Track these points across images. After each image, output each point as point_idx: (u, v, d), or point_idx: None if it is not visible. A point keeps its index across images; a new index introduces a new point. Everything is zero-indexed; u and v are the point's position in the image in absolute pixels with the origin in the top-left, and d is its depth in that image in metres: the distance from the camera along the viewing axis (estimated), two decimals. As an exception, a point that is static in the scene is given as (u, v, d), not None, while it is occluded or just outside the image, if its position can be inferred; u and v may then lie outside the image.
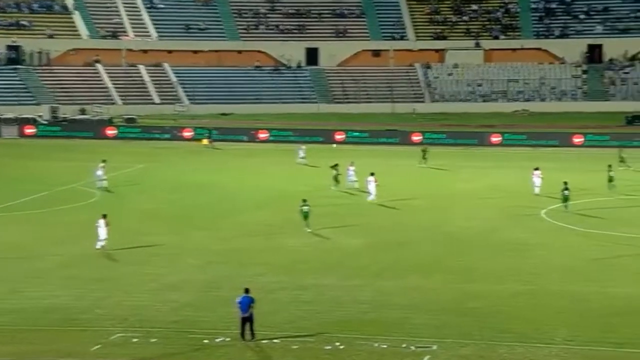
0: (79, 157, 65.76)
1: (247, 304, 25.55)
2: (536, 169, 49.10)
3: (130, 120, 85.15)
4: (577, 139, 71.95)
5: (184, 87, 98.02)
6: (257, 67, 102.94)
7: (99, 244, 35.74)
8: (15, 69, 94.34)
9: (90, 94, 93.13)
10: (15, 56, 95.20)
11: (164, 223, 41.64)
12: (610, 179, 49.77)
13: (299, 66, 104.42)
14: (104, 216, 36.22)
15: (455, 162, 63.57)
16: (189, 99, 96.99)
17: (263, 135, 77.17)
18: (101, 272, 32.95)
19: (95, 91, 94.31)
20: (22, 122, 79.66)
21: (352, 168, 50.36)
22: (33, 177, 55.08)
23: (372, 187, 46.86)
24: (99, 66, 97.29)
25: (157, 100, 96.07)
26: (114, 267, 33.70)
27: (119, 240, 37.84)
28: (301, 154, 61.37)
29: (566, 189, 44.16)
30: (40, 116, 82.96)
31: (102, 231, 35.64)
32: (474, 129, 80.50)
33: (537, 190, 47.88)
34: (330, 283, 31.60)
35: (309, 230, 39.09)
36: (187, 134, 77.61)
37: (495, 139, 74.55)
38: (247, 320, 25.52)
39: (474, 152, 69.45)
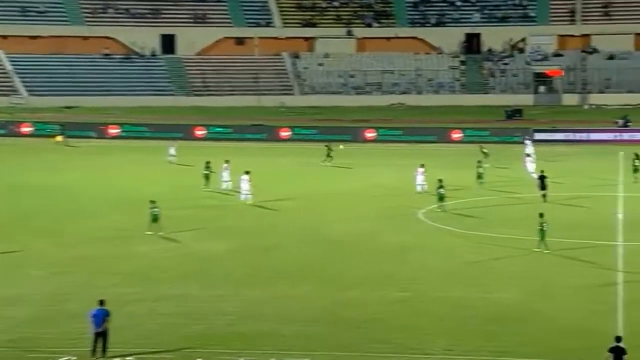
0: None
1: (102, 317, 25.04)
2: (422, 165, 50.28)
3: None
4: (456, 135, 74.17)
5: (21, 77, 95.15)
6: (105, 55, 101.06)
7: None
8: None
9: None
10: None
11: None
12: (479, 176, 51.69)
13: (153, 54, 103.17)
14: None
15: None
16: (28, 90, 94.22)
17: (114, 131, 75.85)
18: None
19: None
20: None
21: (226, 167, 50.36)
22: None
23: (245, 186, 46.98)
24: None
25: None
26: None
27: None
28: (171, 151, 61.00)
29: (441, 187, 45.40)
30: None
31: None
32: (347, 124, 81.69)
33: (419, 188, 48.99)
34: (191, 293, 31.38)
35: (154, 232, 39.21)
36: (26, 129, 75.33)
37: (370, 134, 75.92)
38: (101, 335, 25.00)
39: (348, 148, 70.38)
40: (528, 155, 57.45)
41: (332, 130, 76.71)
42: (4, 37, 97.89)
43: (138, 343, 26.48)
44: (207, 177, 50.57)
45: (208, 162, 51.09)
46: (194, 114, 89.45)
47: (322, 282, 32.92)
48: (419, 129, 77.73)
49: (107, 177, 55.75)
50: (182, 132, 75.62)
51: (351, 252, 37.36)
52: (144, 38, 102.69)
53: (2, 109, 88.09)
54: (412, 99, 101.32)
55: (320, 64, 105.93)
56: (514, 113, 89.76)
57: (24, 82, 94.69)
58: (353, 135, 75.29)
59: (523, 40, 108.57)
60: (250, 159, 60.29)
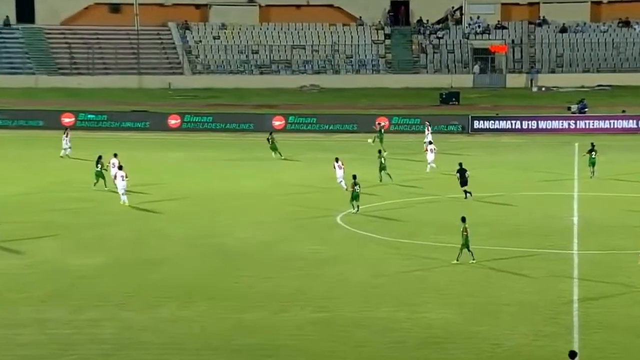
0: None
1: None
2: (337, 159, 50.74)
3: None
4: (384, 122, 74.80)
5: None
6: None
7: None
8: None
9: None
10: None
11: None
12: (383, 167, 53.03)
13: (6, 24, 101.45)
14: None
15: (229, 153, 64.32)
16: None
17: (-45, 118, 74.43)
18: None
19: None
20: None
21: (114, 161, 50.17)
22: None
23: (121, 183, 47.23)
24: None
25: None
26: None
27: None
28: (65, 143, 61.12)
29: (355, 184, 46.03)
30: None
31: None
32: (249, 110, 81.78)
33: (343, 185, 49.51)
34: (57, 317, 31.07)
35: None
36: None
37: (278, 122, 76.18)
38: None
39: (251, 139, 70.46)
40: (431, 142, 58.50)
41: (231, 118, 76.72)
42: None
43: (-11, 380, 26.16)
44: (99, 174, 50.50)
45: (99, 157, 50.77)
46: (60, 97, 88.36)
47: (218, 301, 32.96)
48: (336, 116, 78.30)
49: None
50: (44, 120, 74.67)
51: (255, 266, 37.47)
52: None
53: None
54: (327, 80, 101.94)
55: (215, 37, 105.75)
56: (450, 97, 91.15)
57: None
58: (257, 124, 75.44)
59: (460, 9, 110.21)
60: (131, 152, 59.93)
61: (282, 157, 61.05)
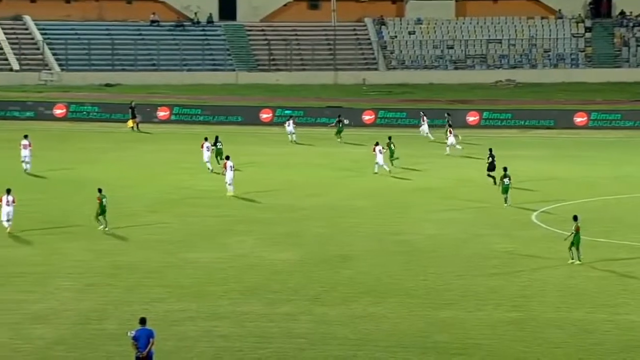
0: None
1: (146, 338, 25.47)
2: (377, 143, 53.09)
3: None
4: (580, 119, 73.24)
5: (52, 49, 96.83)
6: (152, 22, 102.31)
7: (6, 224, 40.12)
8: None
9: None
10: None
11: (25, 231, 41.20)
12: (392, 154, 55.28)
13: (209, 21, 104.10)
14: (8, 191, 40.56)
15: (418, 149, 64.25)
16: (60, 65, 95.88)
17: (163, 113, 76.85)
18: (-60, 299, 32.52)
19: None
20: None
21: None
22: None
23: (229, 174, 48.51)
24: None
25: (15, 65, 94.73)
26: (-43, 293, 33.29)
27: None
28: (290, 127, 66.15)
29: (505, 176, 46.22)
30: None
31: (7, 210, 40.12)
32: (443, 106, 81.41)
33: (376, 168, 52.93)
34: (254, 310, 31.72)
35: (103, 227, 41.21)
36: (60, 111, 76.81)
37: (472, 118, 75.59)
38: (144, 361, 25.49)
39: (443, 135, 70.16)
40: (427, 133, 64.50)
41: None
42: (32, 0, 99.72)
43: (189, 370, 26.96)
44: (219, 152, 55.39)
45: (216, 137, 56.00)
46: (258, 93, 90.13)
47: (409, 299, 33.05)
48: (532, 112, 77.07)
49: (151, 170, 56.54)
50: (243, 116, 76.31)
51: (443, 263, 37.35)
52: (199, 1, 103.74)
53: (30, 87, 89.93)
54: (524, 75, 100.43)
55: (411, 32, 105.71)
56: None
57: (55, 54, 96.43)
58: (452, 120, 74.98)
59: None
60: (328, 149, 60.69)
61: (342, 142, 62.20)
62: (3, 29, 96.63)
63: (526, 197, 48.46)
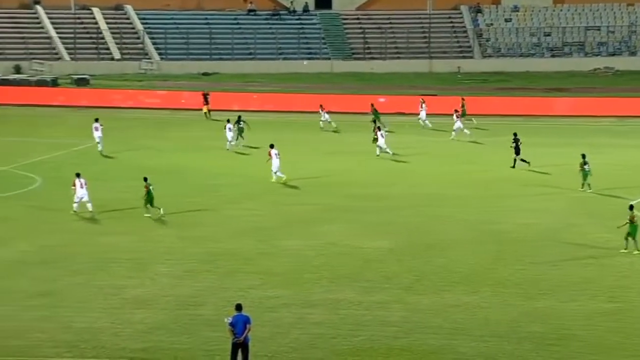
0: (12, 130, 66.00)
1: (243, 324, 25.70)
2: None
3: (82, 81, 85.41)
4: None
5: (152, 38, 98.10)
6: (249, 11, 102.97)
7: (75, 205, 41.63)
8: None
9: (28, 46, 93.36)
10: None
11: (124, 219, 41.88)
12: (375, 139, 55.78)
13: (305, 10, 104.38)
14: (78, 175, 41.91)
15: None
16: (160, 54, 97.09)
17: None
18: (42, 283, 33.19)
19: (35, 42, 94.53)
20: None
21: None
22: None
23: (275, 161, 48.71)
24: (39, 8, 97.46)
25: (116, 55, 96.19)
26: (59, 277, 33.96)
27: (65, 242, 38.12)
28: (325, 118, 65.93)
29: (585, 163, 46.48)
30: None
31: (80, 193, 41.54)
32: (539, 94, 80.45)
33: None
34: (348, 298, 31.80)
35: (149, 215, 41.49)
36: (151, 100, 77.63)
37: (568, 106, 74.62)
38: (241, 346, 25.67)
39: (539, 124, 69.43)
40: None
41: (521, 103, 75.71)
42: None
43: (285, 357, 27.14)
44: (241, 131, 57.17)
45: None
46: (353, 81, 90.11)
47: (503, 288, 32.79)
48: (631, 100, 75.69)
49: (246, 158, 56.95)
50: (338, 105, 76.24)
51: (540, 253, 36.99)
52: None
53: (131, 75, 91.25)
54: (623, 62, 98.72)
55: (507, 20, 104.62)
56: None
57: (155, 44, 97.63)
58: (545, 108, 74.16)
59: None
60: (417, 137, 60.32)
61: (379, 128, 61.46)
62: (105, 18, 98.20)
63: (623, 186, 47.67)
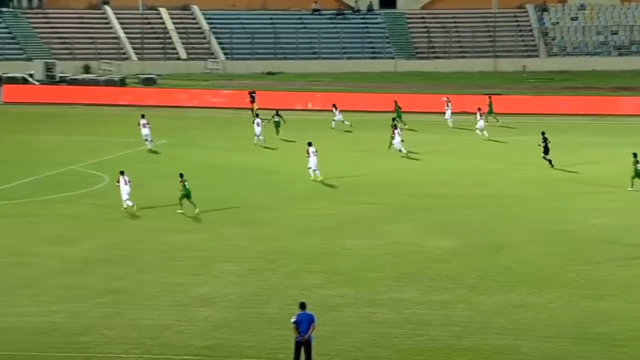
0: (80, 129, 66.77)
1: (308, 323, 25.73)
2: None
3: (149, 80, 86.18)
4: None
5: (218, 38, 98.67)
6: (314, 10, 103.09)
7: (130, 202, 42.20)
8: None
9: (97, 46, 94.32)
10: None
11: (189, 217, 42.16)
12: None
13: (370, 9, 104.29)
14: (122, 173, 42.44)
15: (579, 137, 63.05)
16: (225, 54, 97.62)
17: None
18: (110, 281, 33.54)
19: (104, 42, 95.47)
20: (8, 82, 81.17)
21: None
22: (19, 156, 56.19)
23: (313, 159, 48.88)
24: (108, 9, 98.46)
25: (183, 54, 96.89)
26: (126, 275, 34.28)
27: (131, 240, 38.47)
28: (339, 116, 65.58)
29: (637, 162, 46.22)
30: (31, 75, 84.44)
31: (126, 190, 42.11)
32: (606, 93, 79.55)
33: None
34: (411, 297, 31.71)
35: (182, 211, 41.98)
36: (217, 99, 77.99)
37: (636, 104, 73.73)
38: (305, 345, 25.70)
39: (605, 123, 68.68)
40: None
41: (587, 102, 74.94)
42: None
43: (348, 356, 27.11)
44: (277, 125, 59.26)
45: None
46: (416, 81, 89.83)
47: (569, 289, 32.47)
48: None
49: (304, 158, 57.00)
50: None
51: (607, 253, 36.55)
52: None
53: (197, 75, 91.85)
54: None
55: (573, 18, 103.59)
56: None
57: (221, 43, 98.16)
58: (611, 107, 73.33)
59: None
60: (485, 138, 59.87)
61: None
62: (172, 18, 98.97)
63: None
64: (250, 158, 56.27)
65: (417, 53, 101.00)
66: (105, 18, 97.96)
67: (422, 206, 44.44)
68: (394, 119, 61.79)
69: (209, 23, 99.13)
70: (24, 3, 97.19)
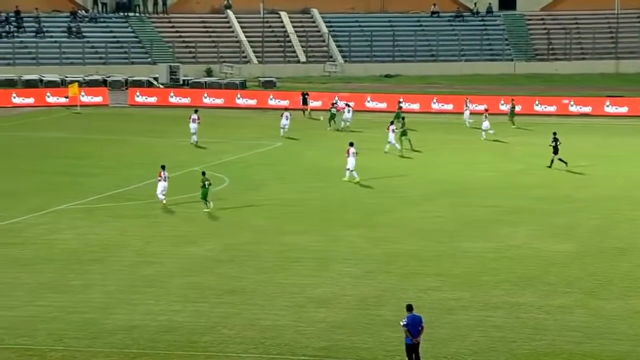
0: (202, 131, 67.56)
1: (418, 324, 25.64)
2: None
3: (269, 83, 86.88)
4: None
5: (337, 41, 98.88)
6: (433, 13, 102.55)
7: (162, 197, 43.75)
8: (125, 17, 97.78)
9: (219, 49, 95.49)
10: (126, 0, 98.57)
11: (307, 218, 42.37)
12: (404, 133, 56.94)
13: (489, 11, 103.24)
14: (163, 167, 44.21)
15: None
16: (343, 57, 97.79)
17: (437, 105, 76.73)
18: (229, 281, 33.91)
19: (225, 46, 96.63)
20: (134, 85, 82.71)
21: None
22: (143, 157, 57.18)
23: (351, 160, 48.79)
24: (230, 13, 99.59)
25: (302, 57, 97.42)
26: (245, 276, 34.61)
27: (250, 241, 38.85)
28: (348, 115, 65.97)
29: None
30: (155, 78, 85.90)
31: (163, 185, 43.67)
32: None
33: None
34: (528, 302, 31.32)
35: (207, 209, 42.93)
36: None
37: None
38: (414, 348, 25.59)
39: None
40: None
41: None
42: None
43: (463, 359, 26.93)
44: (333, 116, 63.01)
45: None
46: (536, 83, 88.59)
47: (692, 296, 31.61)
48: None
49: (424, 161, 56.66)
50: (522, 105, 75.07)
51: None
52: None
53: (315, 78, 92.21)
54: None
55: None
56: None
57: (339, 46, 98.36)
58: None
59: None
60: (606, 139, 58.79)
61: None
62: (292, 22, 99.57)
63: None
64: (365, 161, 56.10)
65: (537, 55, 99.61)
66: (228, 22, 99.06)
67: (541, 209, 43.81)
68: (402, 118, 60.89)
69: (328, 26, 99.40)
70: (150, 8, 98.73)
